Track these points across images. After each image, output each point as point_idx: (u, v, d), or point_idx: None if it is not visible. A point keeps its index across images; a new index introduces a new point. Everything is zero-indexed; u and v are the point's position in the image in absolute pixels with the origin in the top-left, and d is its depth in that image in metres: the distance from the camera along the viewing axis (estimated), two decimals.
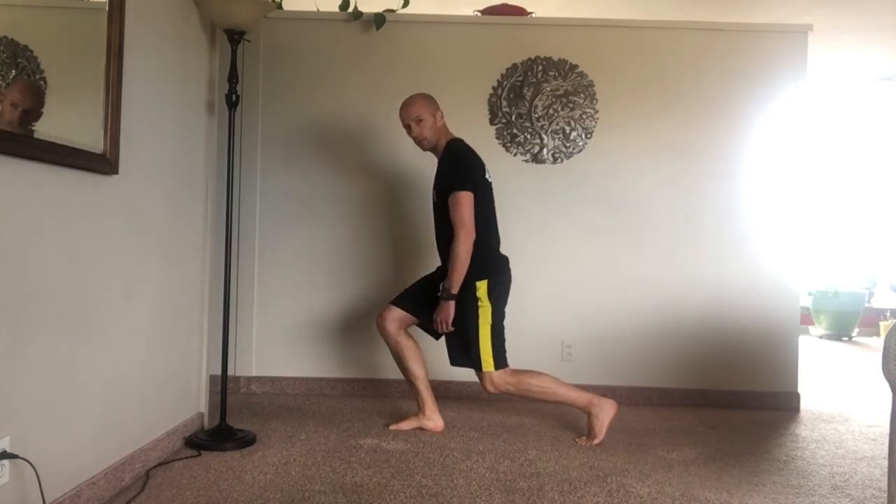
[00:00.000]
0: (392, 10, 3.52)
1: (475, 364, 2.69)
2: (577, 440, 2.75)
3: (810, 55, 3.50)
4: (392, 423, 2.88)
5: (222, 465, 2.36)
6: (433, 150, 2.78)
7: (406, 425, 2.84)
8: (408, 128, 2.74)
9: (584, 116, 3.51)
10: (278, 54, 3.52)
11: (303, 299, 3.54)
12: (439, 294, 2.65)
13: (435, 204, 2.78)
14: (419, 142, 2.76)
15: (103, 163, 1.95)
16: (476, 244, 2.63)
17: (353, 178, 3.53)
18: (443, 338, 2.78)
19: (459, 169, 2.66)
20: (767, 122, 3.50)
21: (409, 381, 2.84)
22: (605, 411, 2.71)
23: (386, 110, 3.48)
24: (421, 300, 2.80)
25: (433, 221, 2.83)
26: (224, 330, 2.71)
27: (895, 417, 1.64)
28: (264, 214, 3.53)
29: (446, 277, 2.64)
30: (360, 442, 2.68)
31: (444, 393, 3.31)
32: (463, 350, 2.72)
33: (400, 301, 2.82)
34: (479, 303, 2.66)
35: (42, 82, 1.71)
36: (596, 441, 2.70)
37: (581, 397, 2.73)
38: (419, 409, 2.85)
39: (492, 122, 3.52)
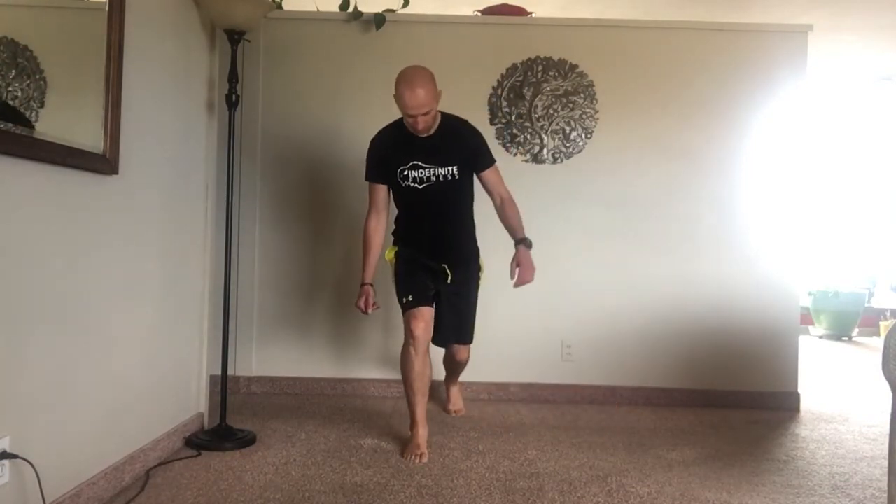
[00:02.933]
0: (392, 10, 3.53)
1: (467, 338, 2.83)
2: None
3: (810, 55, 3.50)
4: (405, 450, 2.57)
5: (222, 465, 2.36)
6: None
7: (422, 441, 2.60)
8: (412, 117, 2.46)
9: (584, 116, 3.51)
10: (278, 54, 3.52)
11: (303, 299, 3.54)
12: (523, 244, 2.61)
13: (450, 180, 2.60)
14: (420, 130, 2.50)
15: (103, 163, 1.95)
16: (473, 219, 2.81)
17: (354, 177, 3.52)
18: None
19: (484, 142, 2.71)
20: (767, 122, 3.50)
21: (420, 396, 2.60)
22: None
23: (386, 110, 3.48)
24: (432, 293, 2.68)
25: (429, 201, 2.63)
26: (224, 330, 2.71)
27: (895, 417, 1.65)
28: (264, 214, 3.53)
29: (518, 230, 2.63)
30: (360, 442, 2.68)
31: (443, 395, 3.31)
32: (461, 324, 2.78)
33: (428, 301, 2.62)
34: (481, 272, 2.84)
35: (42, 82, 1.71)
36: None
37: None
38: (420, 424, 2.60)
39: (492, 122, 3.52)
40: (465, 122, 2.69)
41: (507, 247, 3.27)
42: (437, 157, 2.59)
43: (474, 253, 2.81)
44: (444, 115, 2.63)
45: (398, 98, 2.46)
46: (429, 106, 2.44)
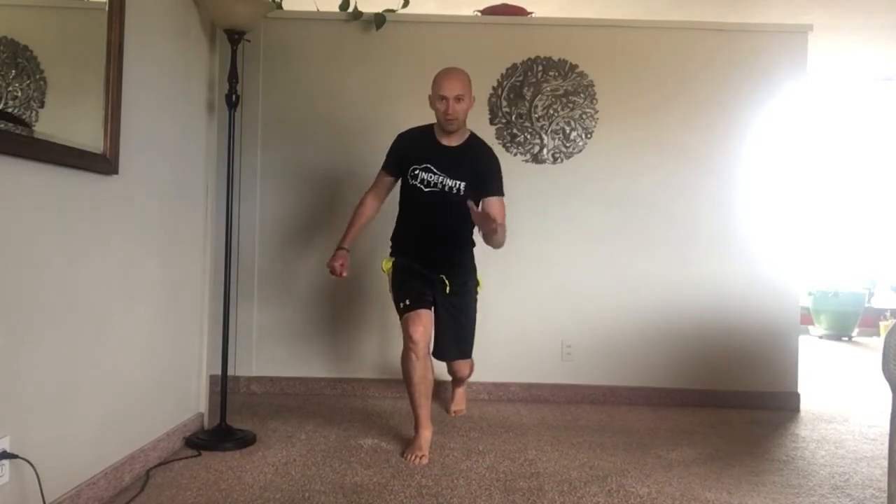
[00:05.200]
0: (392, 10, 3.53)
1: (467, 352, 2.84)
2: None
3: (810, 55, 3.50)
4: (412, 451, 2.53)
5: (222, 465, 2.36)
6: (452, 133, 2.63)
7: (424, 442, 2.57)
8: (443, 100, 2.54)
9: (584, 116, 3.51)
10: (278, 54, 3.52)
11: (302, 299, 3.54)
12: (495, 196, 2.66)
13: (455, 193, 2.62)
14: (450, 120, 2.55)
15: (103, 163, 1.95)
16: (472, 235, 2.79)
17: (354, 177, 3.53)
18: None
19: (500, 171, 2.72)
20: (767, 122, 3.50)
21: (424, 399, 2.57)
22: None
23: (386, 110, 3.49)
24: (430, 298, 2.67)
25: (430, 207, 2.66)
26: (224, 330, 2.71)
27: (895, 417, 1.65)
28: (264, 214, 3.53)
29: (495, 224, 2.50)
30: (360, 442, 2.68)
31: (445, 394, 3.31)
32: (461, 339, 2.79)
33: (426, 305, 2.59)
34: (478, 287, 2.86)
35: (42, 82, 1.71)
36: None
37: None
38: (424, 426, 2.59)
39: (492, 122, 3.52)
40: (489, 148, 2.75)
41: (504, 253, 3.25)
42: (451, 169, 2.64)
43: (472, 268, 2.83)
44: (474, 135, 2.72)
45: (434, 85, 2.58)
46: (462, 92, 2.54)
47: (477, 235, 2.82)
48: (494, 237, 2.56)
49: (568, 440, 2.79)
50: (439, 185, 2.64)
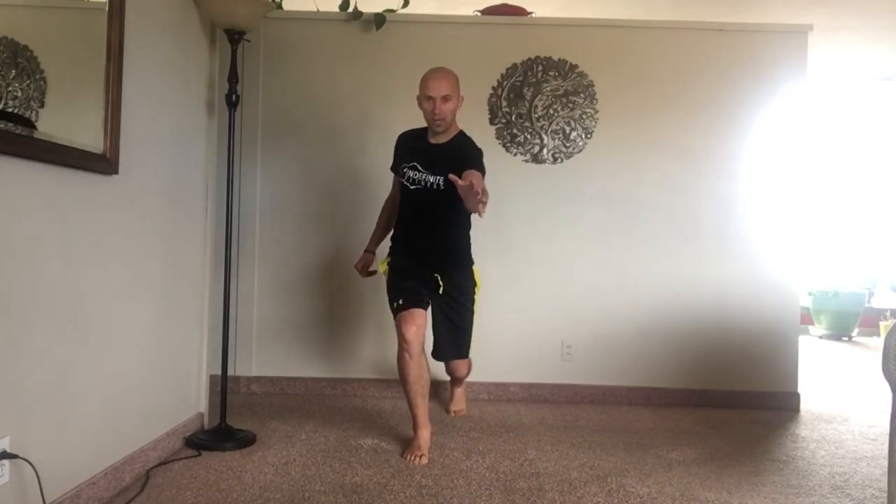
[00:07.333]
0: (392, 10, 3.53)
1: (464, 352, 2.83)
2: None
3: (810, 55, 3.51)
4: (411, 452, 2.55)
5: (222, 465, 2.36)
6: (440, 132, 2.62)
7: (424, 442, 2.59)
8: (430, 101, 2.55)
9: (584, 116, 3.51)
10: (278, 54, 3.52)
11: (303, 299, 3.54)
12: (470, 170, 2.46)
13: (435, 189, 2.61)
14: (437, 121, 2.56)
15: (103, 163, 1.95)
16: (467, 234, 2.79)
17: (354, 177, 3.54)
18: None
19: (479, 159, 2.58)
20: (767, 122, 3.50)
21: (420, 399, 2.59)
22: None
23: (385, 110, 3.49)
24: (424, 298, 2.66)
25: (416, 204, 2.68)
26: (224, 330, 2.71)
27: (895, 417, 1.65)
28: (264, 214, 3.53)
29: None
30: (360, 442, 2.68)
31: (444, 394, 3.32)
32: (457, 339, 2.79)
33: (419, 304, 2.59)
34: (476, 288, 2.83)
35: (42, 82, 1.71)
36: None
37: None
38: (423, 426, 2.61)
39: (492, 122, 3.52)
40: (473, 143, 2.70)
41: (504, 254, 3.28)
42: (433, 166, 2.63)
43: (467, 267, 2.80)
44: (462, 133, 2.70)
45: (421, 86, 2.59)
46: (449, 92, 2.55)
47: (474, 234, 2.82)
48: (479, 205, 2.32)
49: (568, 440, 2.79)
50: (422, 183, 2.65)
